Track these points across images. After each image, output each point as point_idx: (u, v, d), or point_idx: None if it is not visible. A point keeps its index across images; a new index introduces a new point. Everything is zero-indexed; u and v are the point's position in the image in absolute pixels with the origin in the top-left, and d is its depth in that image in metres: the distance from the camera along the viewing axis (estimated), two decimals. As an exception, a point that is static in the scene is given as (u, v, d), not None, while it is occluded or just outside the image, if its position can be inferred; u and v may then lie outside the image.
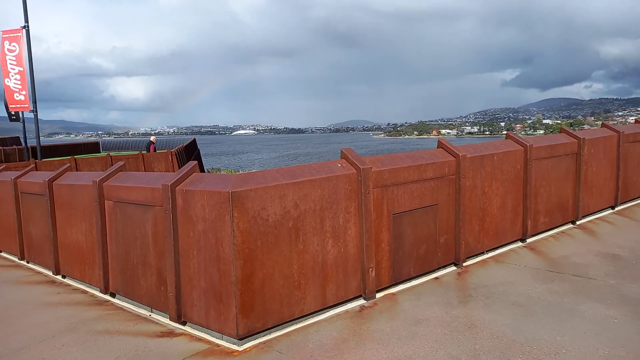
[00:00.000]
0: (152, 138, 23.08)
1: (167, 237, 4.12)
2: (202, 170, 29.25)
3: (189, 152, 23.60)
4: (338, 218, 4.26)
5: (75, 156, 17.09)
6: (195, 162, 4.46)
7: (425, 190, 5.01)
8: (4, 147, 33.19)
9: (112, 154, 24.73)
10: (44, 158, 26.71)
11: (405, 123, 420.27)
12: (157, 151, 20.41)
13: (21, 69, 19.65)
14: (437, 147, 5.47)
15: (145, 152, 20.95)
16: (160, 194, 4.15)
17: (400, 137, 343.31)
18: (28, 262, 7.20)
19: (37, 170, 15.65)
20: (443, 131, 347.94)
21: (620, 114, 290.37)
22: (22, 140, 32.09)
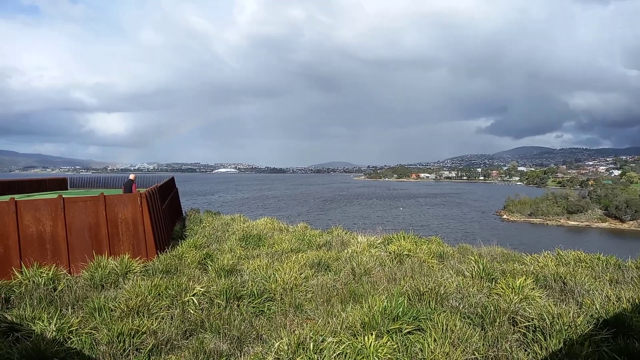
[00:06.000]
0: (132, 176, 19.66)
1: None
2: (180, 211, 26.21)
3: (165, 193, 20.68)
4: None
5: (16, 196, 13.90)
6: None
7: None
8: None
9: (72, 192, 21.54)
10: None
11: (385, 166, 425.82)
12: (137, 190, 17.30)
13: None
14: None
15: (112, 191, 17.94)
16: None
17: (380, 179, 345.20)
18: None
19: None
20: (422, 175, 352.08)
21: (590, 163, 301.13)
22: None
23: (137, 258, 11.65)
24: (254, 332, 6.93)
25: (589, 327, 6.22)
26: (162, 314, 7.56)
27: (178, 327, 7.02)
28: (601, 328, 6.24)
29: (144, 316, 7.33)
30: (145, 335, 6.60)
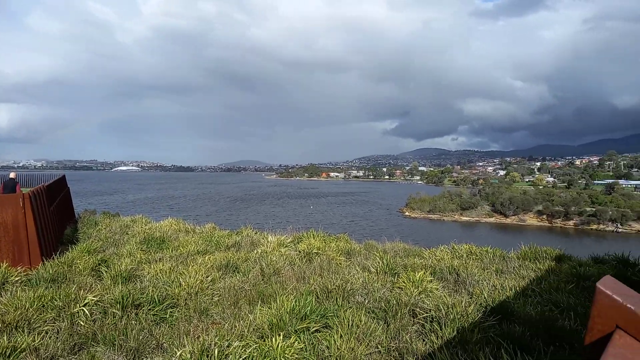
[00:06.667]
0: (13, 174, 17.16)
1: None
2: (72, 213, 23.80)
3: (54, 193, 18.62)
4: None
5: None
6: None
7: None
8: None
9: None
10: None
11: (296, 165, 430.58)
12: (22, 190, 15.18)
13: None
14: None
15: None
16: None
17: (292, 178, 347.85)
18: None
19: None
20: (332, 174, 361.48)
21: (480, 164, 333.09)
22: None
23: (19, 266, 10.32)
24: (154, 342, 6.48)
25: (478, 315, 6.76)
26: (46, 328, 6.75)
27: (65, 341, 6.31)
28: (489, 315, 6.83)
29: (24, 332, 6.49)
30: (25, 353, 5.83)
